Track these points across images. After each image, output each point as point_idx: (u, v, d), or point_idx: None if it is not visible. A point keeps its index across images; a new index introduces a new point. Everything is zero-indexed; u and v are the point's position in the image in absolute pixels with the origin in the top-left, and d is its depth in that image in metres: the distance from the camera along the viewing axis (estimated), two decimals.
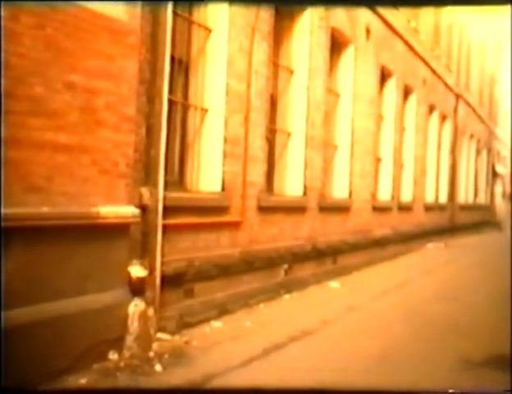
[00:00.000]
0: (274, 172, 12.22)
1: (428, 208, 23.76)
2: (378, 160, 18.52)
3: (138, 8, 7.51)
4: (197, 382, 6.60)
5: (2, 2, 5.58)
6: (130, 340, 7.21)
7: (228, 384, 6.60)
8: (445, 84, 26.12)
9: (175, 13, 8.65)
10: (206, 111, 9.80)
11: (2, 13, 5.57)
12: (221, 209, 9.86)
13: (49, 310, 6.13)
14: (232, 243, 10.09)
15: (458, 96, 28.37)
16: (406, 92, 20.71)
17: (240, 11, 10.10)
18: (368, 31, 16.10)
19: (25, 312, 5.84)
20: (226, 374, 6.91)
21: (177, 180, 9.36)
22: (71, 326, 6.39)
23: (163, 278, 8.10)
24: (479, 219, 33.73)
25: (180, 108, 9.43)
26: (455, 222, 28.17)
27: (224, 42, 9.83)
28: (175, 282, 8.47)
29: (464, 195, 31.76)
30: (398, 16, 18.72)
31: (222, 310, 9.59)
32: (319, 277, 13.14)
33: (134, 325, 7.29)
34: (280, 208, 11.89)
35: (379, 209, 17.84)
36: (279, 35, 12.09)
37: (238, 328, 8.98)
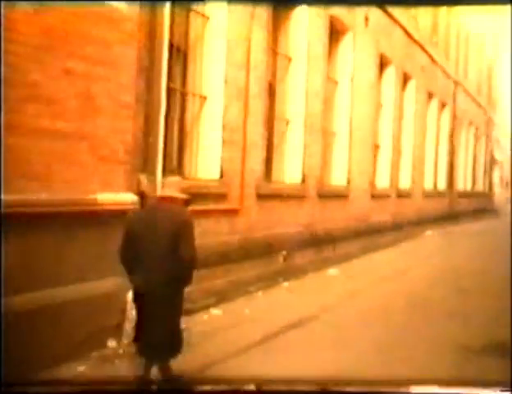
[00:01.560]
0: (273, 160, 12.21)
1: (427, 195, 23.76)
2: (377, 147, 18.51)
3: None
4: (195, 369, 6.60)
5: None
6: (128, 327, 7.20)
7: (227, 379, 6.59)
8: (444, 72, 26.06)
9: (173, 0, 8.62)
10: (205, 98, 9.79)
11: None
12: (220, 196, 9.86)
13: (48, 297, 6.14)
14: (231, 230, 10.09)
15: (456, 83, 28.33)
16: (405, 79, 20.68)
17: None
18: (366, 18, 16.05)
19: (23, 299, 5.85)
20: (225, 361, 6.92)
21: (176, 167, 9.36)
22: (70, 313, 6.40)
23: None
24: (478, 206, 33.74)
25: (179, 96, 9.42)
26: (454, 209, 28.18)
27: (222, 29, 9.81)
28: None
29: (463, 182, 31.76)
30: None
31: (221, 297, 9.59)
32: (318, 265, 13.14)
33: (132, 312, 7.29)
34: (278, 195, 11.89)
35: (378, 196, 17.85)
36: (277, 23, 12.06)
37: (237, 315, 8.99)
